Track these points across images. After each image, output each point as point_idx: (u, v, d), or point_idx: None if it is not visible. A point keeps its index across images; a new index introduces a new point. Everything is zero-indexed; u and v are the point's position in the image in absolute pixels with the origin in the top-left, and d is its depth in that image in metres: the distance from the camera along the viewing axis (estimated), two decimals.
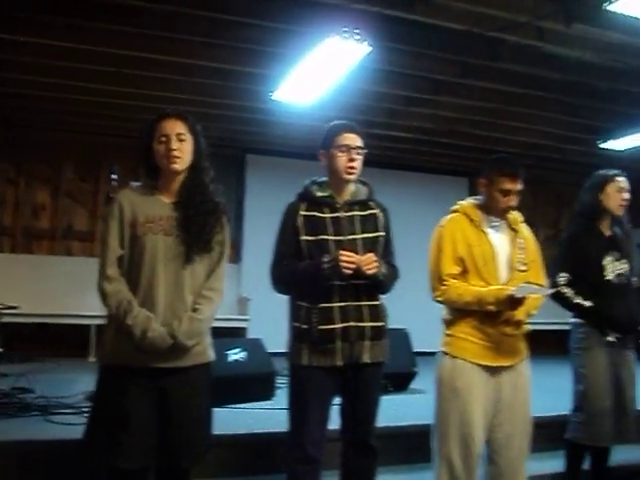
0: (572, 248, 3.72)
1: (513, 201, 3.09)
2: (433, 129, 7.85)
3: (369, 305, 2.89)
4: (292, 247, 2.90)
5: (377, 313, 2.93)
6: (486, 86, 6.42)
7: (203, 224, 2.66)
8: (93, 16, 4.97)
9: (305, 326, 2.83)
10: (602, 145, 7.85)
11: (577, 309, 3.65)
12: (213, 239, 2.69)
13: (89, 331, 7.26)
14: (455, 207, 3.21)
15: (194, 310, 2.62)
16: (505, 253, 3.10)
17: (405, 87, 6.52)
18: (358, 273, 2.78)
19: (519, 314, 3.03)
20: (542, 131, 7.88)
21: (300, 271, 2.86)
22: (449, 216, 3.19)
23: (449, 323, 3.11)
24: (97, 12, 4.94)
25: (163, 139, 2.62)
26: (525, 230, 3.25)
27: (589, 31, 4.95)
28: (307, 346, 2.84)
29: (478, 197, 3.22)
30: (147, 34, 5.28)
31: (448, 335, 3.10)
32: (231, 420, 4.06)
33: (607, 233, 3.75)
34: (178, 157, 2.62)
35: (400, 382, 5.46)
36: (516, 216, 3.22)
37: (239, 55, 5.70)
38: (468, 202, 3.21)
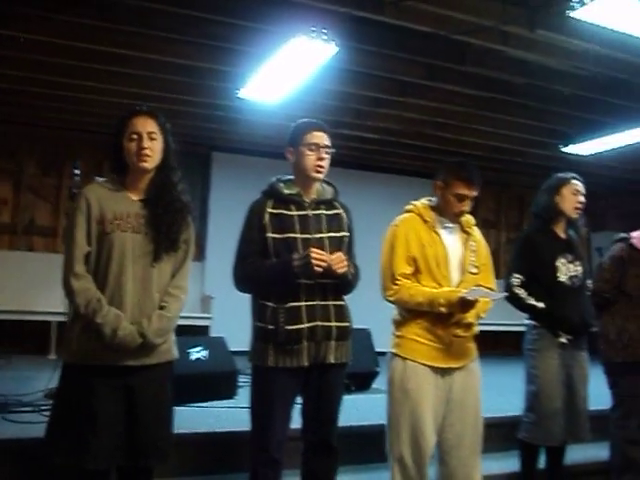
0: (526, 249, 3.77)
1: (467, 206, 3.12)
2: (399, 130, 7.89)
3: (335, 305, 2.89)
4: (258, 245, 2.86)
5: (343, 313, 2.93)
6: (452, 89, 6.46)
7: (172, 223, 2.65)
8: (58, 8, 4.90)
9: (271, 326, 2.80)
10: (564, 149, 7.97)
11: (530, 310, 3.70)
12: (180, 238, 2.69)
13: (49, 328, 7.16)
14: (409, 207, 3.22)
15: (162, 308, 2.61)
16: (457, 255, 3.12)
17: (372, 88, 6.54)
18: (328, 272, 2.77)
19: (469, 316, 3.06)
20: (506, 135, 7.96)
21: (267, 269, 2.83)
22: (403, 216, 3.19)
23: (399, 324, 3.12)
24: (62, 4, 4.88)
25: (134, 137, 2.60)
26: (477, 233, 3.28)
27: (552, 37, 5.02)
28: (273, 347, 2.80)
29: (431, 198, 3.23)
30: (113, 28, 5.22)
31: (398, 336, 3.11)
32: (192, 419, 4.04)
33: (562, 235, 3.81)
34: (149, 156, 2.61)
35: (362, 381, 5.49)
36: (469, 219, 3.24)
37: (206, 52, 5.67)
38: (422, 203, 3.22)
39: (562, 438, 3.63)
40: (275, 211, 2.88)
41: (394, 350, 3.11)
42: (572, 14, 4.23)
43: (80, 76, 6.17)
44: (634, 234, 4.15)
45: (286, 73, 5.55)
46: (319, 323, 2.82)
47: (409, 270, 3.04)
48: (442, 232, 3.13)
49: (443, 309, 2.95)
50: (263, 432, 2.83)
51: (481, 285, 3.10)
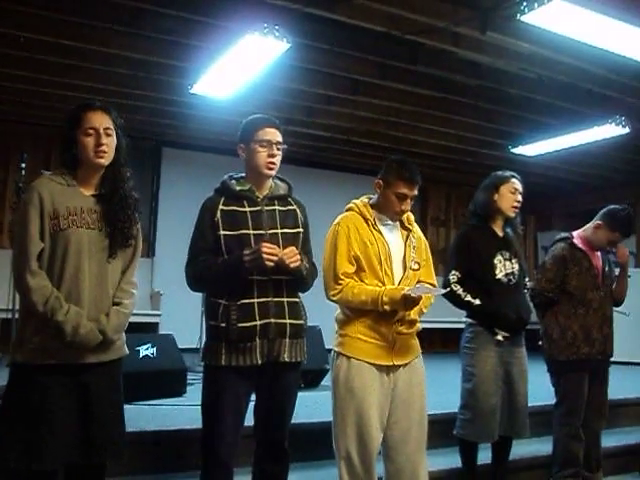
0: (464, 246, 3.81)
1: (407, 205, 3.11)
2: (351, 128, 7.93)
3: (290, 302, 2.86)
4: (210, 242, 2.82)
5: (297, 310, 2.90)
6: (404, 88, 6.52)
7: (126, 219, 2.63)
8: None
9: (223, 324, 2.75)
10: (513, 150, 8.11)
11: (467, 307, 3.74)
12: (132, 234, 2.67)
13: None
14: (349, 206, 3.21)
15: (116, 304, 2.59)
16: (399, 252, 3.13)
17: (324, 86, 6.55)
18: (281, 266, 2.74)
19: (413, 313, 3.07)
20: (457, 134, 8.07)
21: (219, 266, 2.78)
22: (343, 214, 3.18)
23: (343, 323, 3.11)
24: None
25: (91, 132, 2.55)
26: (417, 229, 3.30)
27: (502, 40, 5.11)
28: (225, 345, 2.76)
29: (371, 196, 3.23)
30: (64, 20, 5.13)
31: (342, 335, 3.10)
32: (140, 417, 4.00)
33: (499, 233, 3.85)
34: (106, 152, 2.56)
35: (312, 379, 5.51)
36: (409, 215, 3.24)
37: (159, 46, 5.62)
38: (362, 201, 3.21)
39: (496, 435, 3.66)
40: (227, 208, 2.84)
41: (338, 349, 3.10)
42: (522, 18, 4.31)
43: (28, 68, 6.04)
44: (575, 233, 4.25)
45: (238, 69, 5.53)
46: (272, 320, 2.78)
47: (352, 269, 3.04)
48: (383, 229, 3.13)
49: (387, 307, 2.96)
50: (214, 433, 2.79)
51: (423, 281, 3.13)
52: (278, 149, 2.91)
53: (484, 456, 3.90)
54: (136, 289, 2.70)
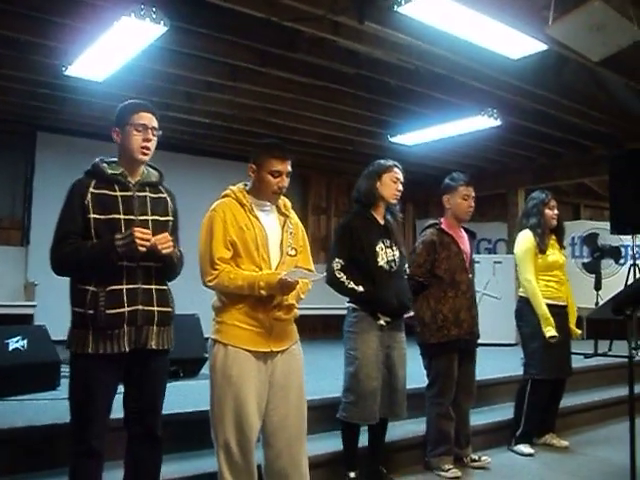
0: (347, 235, 3.89)
1: (284, 182, 3.16)
2: (230, 115, 7.85)
3: (158, 289, 2.84)
4: (78, 225, 2.75)
5: (166, 298, 2.89)
6: (284, 76, 6.51)
7: None
8: None
9: (91, 311, 2.70)
10: (392, 139, 8.27)
11: (350, 294, 3.82)
12: None
13: None
14: (225, 192, 3.22)
15: None
16: (276, 237, 3.17)
17: (203, 71, 6.44)
18: (151, 253, 2.72)
19: (290, 298, 3.11)
20: (337, 123, 8.14)
21: (88, 249, 2.71)
22: (220, 200, 3.19)
23: (219, 310, 3.12)
24: None
25: None
26: (294, 216, 3.34)
27: (380, 30, 5.17)
28: (92, 332, 2.71)
29: (247, 182, 3.25)
30: None
31: (219, 322, 3.11)
32: (9, 413, 3.84)
33: (380, 221, 3.96)
34: None
35: (191, 367, 5.46)
36: (286, 201, 3.30)
37: (31, 24, 5.31)
38: (238, 187, 3.23)
39: (378, 417, 3.77)
40: (97, 191, 2.78)
41: (214, 336, 3.11)
42: (398, 9, 4.38)
43: None
44: (443, 219, 4.43)
45: (115, 52, 5.35)
46: (140, 307, 2.76)
47: (228, 254, 3.05)
48: (260, 215, 3.15)
49: (263, 292, 2.98)
50: (83, 422, 2.74)
51: (300, 267, 3.16)
52: (153, 134, 2.88)
53: (361, 438, 3.98)
54: None
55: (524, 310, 4.82)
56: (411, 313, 4.26)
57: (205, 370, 5.46)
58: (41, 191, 8.18)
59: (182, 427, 3.82)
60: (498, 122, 7.20)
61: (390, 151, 7.99)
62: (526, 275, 4.78)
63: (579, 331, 5.03)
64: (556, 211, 4.90)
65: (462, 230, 4.51)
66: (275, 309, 3.08)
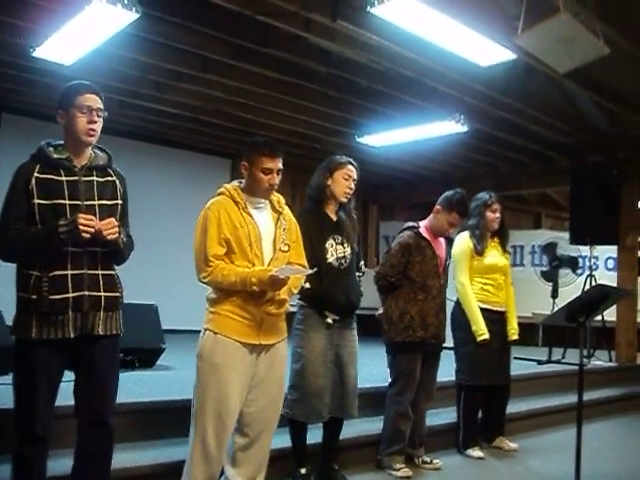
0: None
1: (275, 179, 3.21)
2: (200, 107, 7.80)
3: (105, 274, 2.82)
4: (23, 210, 2.72)
5: (113, 283, 2.87)
6: (255, 70, 6.49)
7: None
8: None
9: (34, 296, 2.68)
10: (360, 139, 8.29)
11: (298, 290, 3.82)
12: None
13: None
14: (220, 190, 3.28)
15: None
16: (269, 234, 3.23)
17: (174, 61, 6.39)
18: (97, 238, 2.69)
19: (282, 293, 3.18)
20: (306, 120, 8.16)
21: (31, 235, 2.69)
22: (214, 198, 3.25)
23: (213, 301, 3.19)
24: None
25: None
26: (288, 212, 3.40)
27: (352, 30, 5.20)
28: (36, 318, 2.68)
29: (242, 180, 3.31)
30: None
31: (212, 312, 3.18)
32: None
33: (332, 217, 3.95)
34: None
35: (148, 358, 5.40)
36: (279, 198, 3.36)
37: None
38: (232, 185, 3.30)
39: (323, 416, 3.77)
40: (42, 176, 2.74)
41: (206, 325, 3.17)
42: (371, 9, 4.40)
43: None
44: (422, 223, 4.47)
45: (85, 36, 5.27)
46: (87, 293, 2.74)
47: (222, 251, 3.11)
48: (253, 212, 3.22)
49: (255, 288, 3.05)
50: (27, 408, 2.71)
51: (293, 262, 3.27)
52: (99, 116, 2.85)
53: (317, 435, 4.00)
54: None
55: (457, 314, 4.85)
56: (381, 310, 4.35)
57: (161, 362, 5.45)
58: (4, 175, 7.99)
59: (139, 416, 3.79)
60: (465, 128, 7.26)
61: (357, 151, 8.02)
62: (459, 277, 4.81)
63: (515, 336, 4.94)
64: (498, 214, 4.93)
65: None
66: (267, 303, 3.15)
